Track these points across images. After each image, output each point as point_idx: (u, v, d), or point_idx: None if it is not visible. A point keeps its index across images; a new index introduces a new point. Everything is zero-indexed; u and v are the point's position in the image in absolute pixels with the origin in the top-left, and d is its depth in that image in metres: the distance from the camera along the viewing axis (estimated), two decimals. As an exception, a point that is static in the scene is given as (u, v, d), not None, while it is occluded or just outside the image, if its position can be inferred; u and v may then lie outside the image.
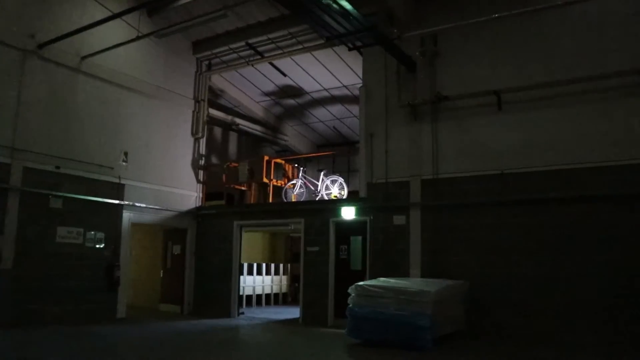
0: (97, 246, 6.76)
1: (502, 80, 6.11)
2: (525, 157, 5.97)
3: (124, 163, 7.23)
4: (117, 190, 7.10)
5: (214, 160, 10.14)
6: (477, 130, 6.47)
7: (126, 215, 7.22)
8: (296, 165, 9.23)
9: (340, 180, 8.23)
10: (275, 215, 8.04)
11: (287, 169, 9.25)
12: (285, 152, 11.62)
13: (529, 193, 5.87)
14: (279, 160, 9.16)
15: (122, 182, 7.21)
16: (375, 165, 7.23)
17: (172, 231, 8.49)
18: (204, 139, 9.00)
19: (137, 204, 7.39)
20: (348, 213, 7.41)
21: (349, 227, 7.47)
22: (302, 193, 8.54)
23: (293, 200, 8.56)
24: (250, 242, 10.07)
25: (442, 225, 6.60)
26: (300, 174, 8.78)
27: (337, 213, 7.49)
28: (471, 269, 6.10)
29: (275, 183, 8.85)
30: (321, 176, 8.42)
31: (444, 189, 6.67)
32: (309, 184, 8.70)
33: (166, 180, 8.22)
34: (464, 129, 6.60)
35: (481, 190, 6.18)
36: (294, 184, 8.72)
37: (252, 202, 8.88)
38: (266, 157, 8.89)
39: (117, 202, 7.12)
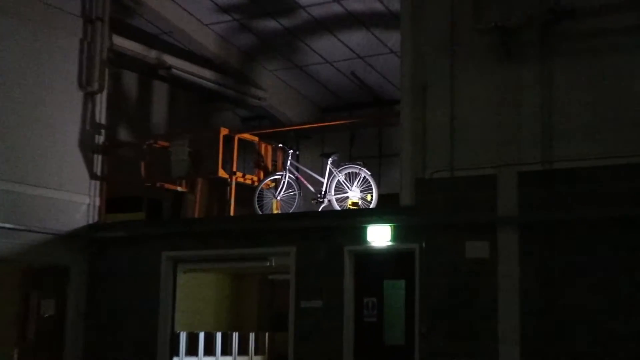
0: None
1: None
2: None
3: None
4: None
5: (124, 135, 10.39)
6: (631, 77, 6.66)
7: None
8: (281, 145, 9.34)
9: (364, 173, 8.28)
10: (242, 240, 8.36)
11: (263, 152, 9.44)
12: (260, 121, 11.96)
13: None
14: (248, 137, 9.34)
15: None
16: (431, 144, 7.50)
17: (39, 272, 8.79)
18: (104, 94, 9.20)
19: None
20: (379, 236, 7.63)
21: (380, 262, 7.75)
22: (293, 199, 8.71)
23: (275, 211, 8.78)
24: (195, 292, 10.21)
25: (565, 261, 6.81)
26: (288, 163, 8.89)
27: (357, 236, 7.71)
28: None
29: (241, 179, 9.06)
30: (328, 166, 8.56)
31: (566, 189, 6.85)
32: (305, 181, 8.81)
33: (28, 174, 8.37)
34: (605, 75, 6.74)
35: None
36: (277, 181, 8.90)
37: (196, 215, 9.18)
38: (224, 131, 9.04)
39: None
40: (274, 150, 9.51)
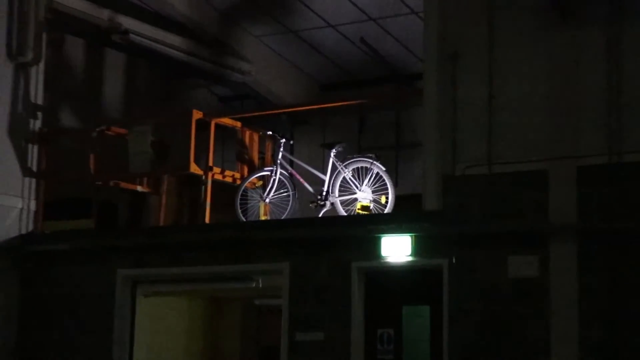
0: None
1: None
2: None
3: None
4: None
5: (68, 120, 10.52)
6: None
7: None
8: (270, 133, 9.40)
9: (377, 169, 8.42)
10: (221, 255, 8.48)
11: (248, 142, 9.54)
12: (244, 101, 12.09)
13: None
14: (228, 122, 9.43)
15: None
16: (464, 131, 7.60)
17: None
18: (41, 67, 9.21)
19: None
20: (396, 250, 7.69)
21: (399, 283, 7.86)
22: (286, 201, 8.82)
23: (263, 218, 8.89)
24: (161, 321, 9.95)
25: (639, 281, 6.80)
26: (280, 155, 9.00)
27: (369, 250, 7.79)
28: None
29: (219, 177, 9.13)
30: (331, 160, 8.67)
31: (639, 188, 6.87)
32: (301, 179, 8.93)
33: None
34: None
35: None
36: (265, 179, 9.05)
37: (162, 223, 9.26)
38: (198, 114, 9.12)
39: None
40: (262, 139, 9.63)
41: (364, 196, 8.41)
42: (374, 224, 7.90)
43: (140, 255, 8.72)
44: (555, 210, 7.10)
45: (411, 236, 7.59)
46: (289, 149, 9.39)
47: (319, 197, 8.60)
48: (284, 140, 9.03)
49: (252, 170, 9.35)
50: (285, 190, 8.85)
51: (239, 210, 8.84)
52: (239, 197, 8.90)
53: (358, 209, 8.39)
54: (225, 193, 9.12)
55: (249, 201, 9.05)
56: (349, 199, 8.50)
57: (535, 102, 7.30)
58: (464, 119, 7.55)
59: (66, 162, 9.50)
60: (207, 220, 8.82)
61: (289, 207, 8.75)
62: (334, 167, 8.60)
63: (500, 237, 7.26)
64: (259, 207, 8.98)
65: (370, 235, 7.78)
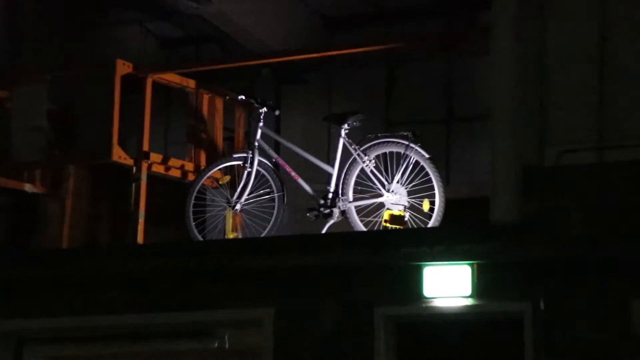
0: None
1: None
2: None
3: None
4: None
5: None
6: None
7: None
8: (243, 98, 9.34)
9: (417, 156, 8.45)
10: (163, 296, 8.39)
11: (206, 112, 9.66)
12: (199, 47, 12.01)
13: None
14: (173, 80, 9.50)
15: None
16: (556, 95, 7.51)
17: None
18: None
19: None
20: (447, 287, 7.60)
21: (452, 341, 7.80)
22: (270, 207, 8.91)
23: (231, 235, 8.91)
24: None
25: None
26: (258, 134, 9.06)
27: (403, 287, 7.71)
28: None
29: (160, 168, 9.20)
30: (340, 142, 8.73)
31: None
32: (292, 172, 8.90)
33: None
34: None
35: None
36: (235, 172, 9.11)
37: (65, 242, 9.37)
38: (124, 66, 9.16)
39: None
40: (230, 107, 9.78)
41: (395, 200, 8.39)
42: (412, 245, 7.68)
43: (27, 298, 8.66)
44: None
45: (472, 265, 7.44)
46: (274, 125, 9.53)
47: (322, 201, 8.62)
48: (264, 109, 8.99)
49: (214, 158, 9.47)
50: (268, 190, 8.87)
51: (192, 223, 8.86)
52: (192, 201, 8.93)
53: (385, 221, 8.35)
54: (171, 194, 9.30)
55: (208, 208, 9.12)
56: (371, 204, 8.50)
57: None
58: (557, 75, 7.52)
59: None
60: (139, 239, 8.88)
61: (273, 218, 8.79)
62: (346, 154, 8.61)
63: (617, 267, 7.08)
64: (225, 217, 8.96)
65: (404, 263, 7.64)
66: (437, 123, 10.82)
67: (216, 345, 8.33)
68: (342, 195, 8.52)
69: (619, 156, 7.22)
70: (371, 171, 8.44)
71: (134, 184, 8.94)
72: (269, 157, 8.94)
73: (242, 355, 8.54)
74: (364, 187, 8.51)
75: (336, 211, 8.53)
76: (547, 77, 7.49)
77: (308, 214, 8.68)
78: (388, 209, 8.35)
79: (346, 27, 11.69)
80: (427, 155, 8.29)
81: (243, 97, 9.19)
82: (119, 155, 8.94)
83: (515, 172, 7.45)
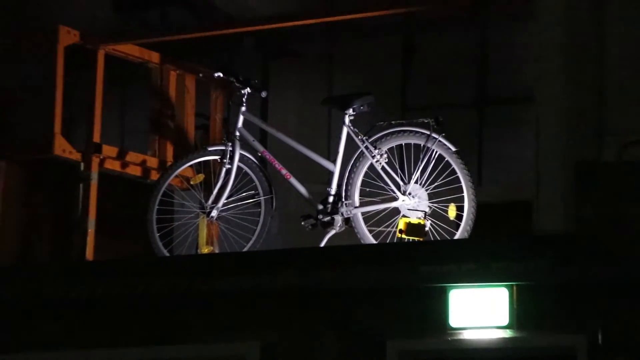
0: None
1: None
2: None
3: None
4: None
5: None
6: None
7: None
8: (221, 75, 9.32)
9: (439, 149, 8.53)
10: (120, 330, 8.38)
11: (173, 91, 9.87)
12: (162, 9, 12.06)
13: None
14: (132, 53, 9.74)
15: None
16: (618, 72, 7.79)
17: None
18: None
19: None
20: (479, 315, 7.56)
21: None
22: (254, 215, 9.01)
23: (205, 249, 9.08)
24: None
25: None
26: (240, 121, 9.11)
27: (424, 316, 7.68)
28: None
29: (113, 165, 9.41)
30: (345, 129, 8.78)
31: None
32: (283, 169, 8.99)
33: None
34: None
35: None
36: (210, 170, 9.22)
37: None
38: (69, 35, 9.34)
39: None
40: (204, 87, 10.01)
41: (413, 205, 8.43)
42: (434, 262, 7.61)
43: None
44: None
45: (510, 287, 7.35)
46: (259, 110, 9.69)
47: (321, 206, 8.65)
48: (248, 90, 9.01)
49: (184, 152, 9.58)
50: (252, 192, 8.88)
51: (156, 235, 8.87)
52: (156, 206, 8.95)
53: (400, 231, 8.40)
54: (128, 198, 9.39)
55: (176, 216, 9.19)
56: (382, 210, 8.51)
57: None
58: (619, 52, 7.71)
59: None
60: (88, 255, 8.98)
61: (258, 228, 8.83)
62: (352, 147, 8.67)
63: None
64: (198, 227, 9.02)
65: (425, 285, 7.57)
66: (466, 107, 10.92)
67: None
68: (346, 198, 8.51)
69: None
70: (383, 168, 8.42)
71: (81, 185, 9.00)
72: (253, 151, 8.95)
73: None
74: (374, 188, 8.51)
75: (338, 219, 8.52)
76: (606, 52, 7.51)
77: (303, 223, 8.67)
78: (404, 216, 8.36)
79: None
80: (453, 148, 8.31)
81: (220, 75, 9.13)
82: (62, 148, 8.96)
83: (566, 169, 7.62)
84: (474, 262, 7.37)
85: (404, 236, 8.28)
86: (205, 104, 9.86)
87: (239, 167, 8.81)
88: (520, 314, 7.27)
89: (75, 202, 9.02)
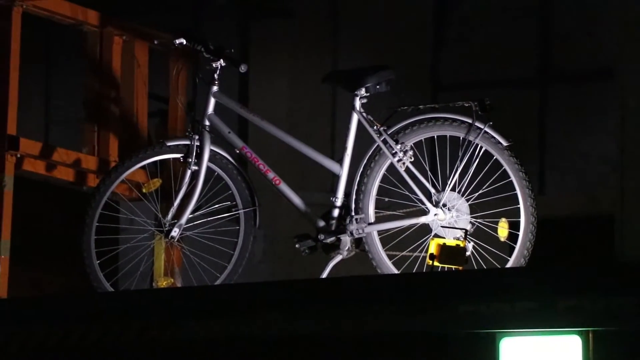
0: None
1: None
2: None
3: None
4: None
5: None
6: None
7: None
8: (183, 42, 9.54)
9: (486, 144, 8.72)
10: None
11: (117, 64, 10.39)
12: None
13: None
14: (61, 10, 10.10)
15: None
16: None
17: None
18: None
19: None
20: None
21: None
22: (232, 235, 9.25)
23: (162, 282, 9.49)
24: None
25: None
26: (211, 104, 9.30)
27: None
28: None
29: (35, 167, 9.88)
30: (355, 116, 8.96)
31: None
32: (269, 172, 9.24)
33: None
34: None
35: None
36: (170, 173, 9.56)
37: None
38: None
39: None
40: (161, 59, 10.54)
41: (449, 221, 8.61)
42: (478, 300, 7.46)
43: None
44: None
45: (583, 334, 6.94)
46: (237, 90, 9.54)
47: (323, 223, 8.83)
48: (221, 62, 9.16)
49: (133, 148, 9.91)
50: (227, 203, 9.07)
51: (95, 262, 8.98)
52: (95, 223, 9.06)
53: (432, 257, 8.51)
54: (55, 212, 9.44)
55: (123, 236, 9.35)
56: (406, 227, 8.61)
57: None
58: None
59: None
60: (0, 291, 9.26)
61: (236, 252, 9.05)
62: (364, 141, 8.88)
63: None
64: (154, 251, 9.34)
65: (467, 331, 7.32)
66: (522, 85, 10.84)
67: None
68: (357, 212, 8.63)
69: None
70: (407, 170, 8.53)
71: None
72: (229, 147, 9.08)
73: None
74: (395, 197, 8.64)
75: (346, 240, 8.61)
76: None
77: (297, 246, 8.78)
78: (437, 235, 8.48)
79: None
80: (505, 143, 8.44)
81: (183, 42, 9.25)
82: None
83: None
84: (534, 299, 7.02)
85: (436, 263, 8.37)
86: (162, 82, 9.94)
87: (209, 169, 8.96)
88: (600, 371, 7.62)
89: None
